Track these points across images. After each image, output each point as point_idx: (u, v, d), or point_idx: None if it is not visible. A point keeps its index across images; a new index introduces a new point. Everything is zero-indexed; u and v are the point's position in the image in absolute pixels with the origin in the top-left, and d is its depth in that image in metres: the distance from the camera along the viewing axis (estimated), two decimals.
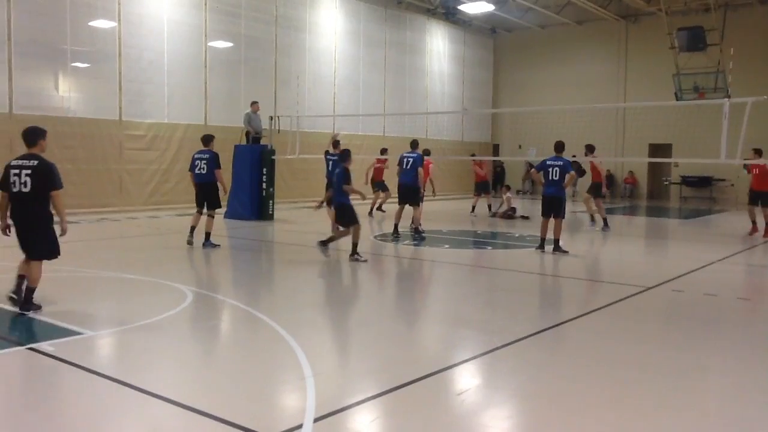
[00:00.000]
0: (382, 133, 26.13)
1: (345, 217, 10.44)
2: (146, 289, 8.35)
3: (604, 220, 15.70)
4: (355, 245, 10.37)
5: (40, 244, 6.79)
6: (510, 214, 18.26)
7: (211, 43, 20.44)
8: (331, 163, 14.64)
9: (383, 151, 19.34)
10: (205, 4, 20.20)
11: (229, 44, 21.11)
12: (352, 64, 25.55)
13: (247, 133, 18.25)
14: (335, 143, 15.13)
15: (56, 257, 7.00)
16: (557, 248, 11.59)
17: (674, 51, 24.68)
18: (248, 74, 21.57)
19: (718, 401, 4.82)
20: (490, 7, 26.57)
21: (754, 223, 14.93)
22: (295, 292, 8.60)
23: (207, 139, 11.84)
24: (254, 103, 18.46)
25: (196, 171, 11.46)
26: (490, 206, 19.22)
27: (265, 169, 17.14)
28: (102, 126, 17.91)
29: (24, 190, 6.67)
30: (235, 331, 6.77)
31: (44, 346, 5.58)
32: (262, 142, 18.06)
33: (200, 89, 20.26)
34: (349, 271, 10.12)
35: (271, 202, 17.14)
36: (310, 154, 18.97)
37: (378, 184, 18.80)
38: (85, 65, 18.06)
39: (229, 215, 16.86)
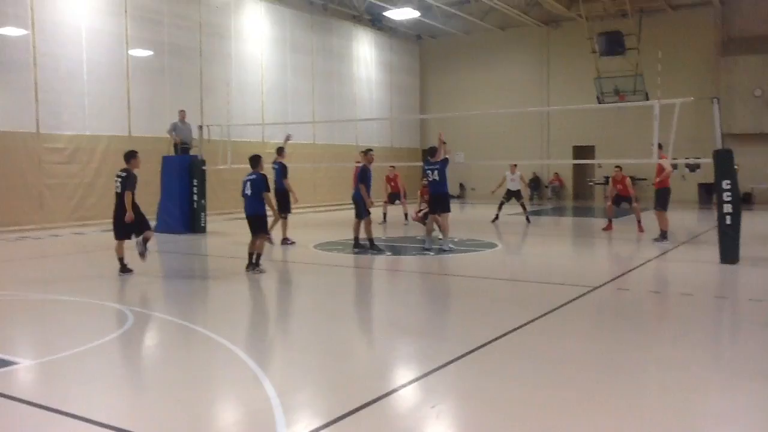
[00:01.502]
0: (312, 140, 25.84)
1: (260, 227, 10.20)
2: (82, 311, 7.86)
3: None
4: (258, 255, 10.15)
5: None
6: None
7: (132, 52, 19.69)
8: (275, 171, 14.20)
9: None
10: (126, 11, 19.45)
11: (151, 52, 20.39)
12: (279, 71, 25.17)
13: (175, 144, 17.66)
14: (279, 150, 14.61)
15: None
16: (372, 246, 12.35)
17: (595, 55, 25.43)
18: (172, 83, 20.88)
19: (680, 395, 4.84)
20: (415, 14, 26.70)
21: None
22: (243, 307, 8.28)
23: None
24: (181, 112, 17.90)
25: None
26: (406, 214, 18.84)
27: (195, 180, 16.61)
28: (18, 139, 16.93)
29: None
30: (184, 352, 6.41)
31: None
32: (191, 152, 17.51)
33: (122, 99, 19.47)
34: (296, 283, 9.86)
35: (203, 214, 16.62)
36: (240, 164, 18.48)
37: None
38: None
39: (159, 229, 16.19)
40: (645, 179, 27.89)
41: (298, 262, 11.73)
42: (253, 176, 10.25)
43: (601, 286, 9.00)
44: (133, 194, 9.83)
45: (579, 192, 31.08)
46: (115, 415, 4.45)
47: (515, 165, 18.43)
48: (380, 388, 4.94)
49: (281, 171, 14.11)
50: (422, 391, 5.02)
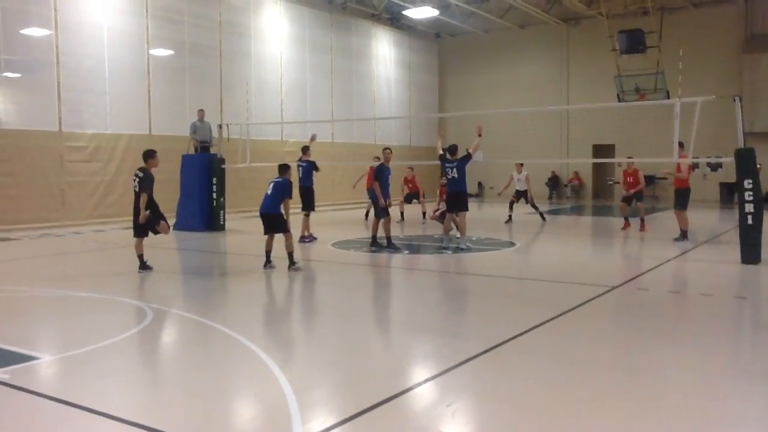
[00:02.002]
0: (330, 139, 25.89)
1: (279, 226, 10.23)
2: (102, 307, 7.95)
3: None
4: (291, 254, 10.23)
5: None
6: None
7: (153, 51, 19.86)
8: (300, 169, 14.27)
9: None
10: (147, 11, 19.62)
11: (172, 52, 20.55)
12: (298, 70, 25.26)
13: (194, 143, 17.79)
14: (305, 149, 14.67)
15: None
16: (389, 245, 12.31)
17: (615, 53, 25.19)
18: (192, 82, 21.04)
19: (699, 397, 4.79)
20: (434, 12, 26.67)
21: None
22: (261, 305, 8.34)
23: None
24: (200, 111, 18.03)
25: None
26: (424, 213, 18.77)
27: (214, 179, 16.72)
28: (41, 138, 17.16)
29: None
30: (204, 348, 6.45)
31: None
32: (211, 150, 17.62)
33: (143, 98, 19.65)
34: (314, 281, 9.88)
35: (222, 212, 16.73)
36: (258, 162, 18.61)
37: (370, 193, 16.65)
38: (18, 75, 17.29)
39: (178, 227, 16.35)
40: (665, 178, 27.68)
41: (315, 260, 11.77)
42: (280, 180, 10.31)
43: (619, 285, 8.94)
44: (149, 195, 9.89)
45: (598, 191, 30.87)
46: (133, 411, 4.50)
47: (521, 164, 18.27)
48: (396, 386, 4.95)
49: (309, 168, 14.18)
50: (438, 390, 5.02)
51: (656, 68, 24.36)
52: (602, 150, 28.77)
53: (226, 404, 4.83)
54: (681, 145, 12.21)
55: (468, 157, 12.50)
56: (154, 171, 10.23)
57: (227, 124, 17.60)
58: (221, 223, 16.69)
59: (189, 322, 7.26)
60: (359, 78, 28.35)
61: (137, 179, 10.00)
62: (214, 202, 16.68)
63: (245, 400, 4.98)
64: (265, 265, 10.24)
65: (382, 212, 12.44)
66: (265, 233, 10.37)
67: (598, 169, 30.41)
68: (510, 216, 18.17)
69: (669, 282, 9.72)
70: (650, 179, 28.39)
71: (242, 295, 8.96)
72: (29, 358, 5.70)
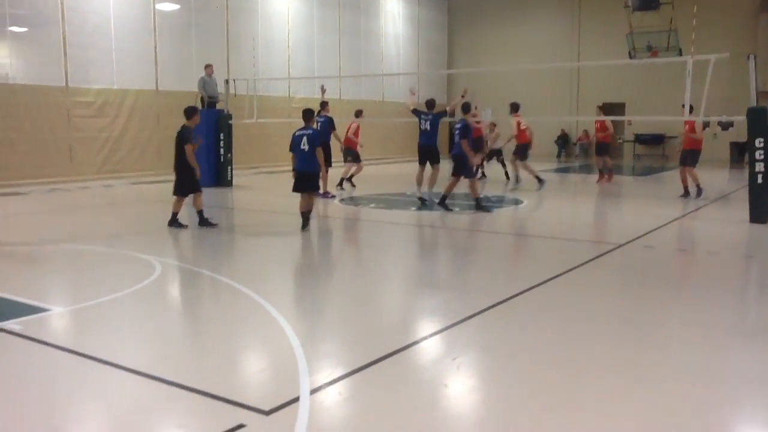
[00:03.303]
0: (338, 96, 25.69)
1: (313, 185, 9.92)
2: (111, 260, 8.02)
3: (537, 178, 15.70)
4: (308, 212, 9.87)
5: None
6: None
7: (159, 6, 19.61)
8: (318, 125, 14.08)
9: (358, 114, 17.10)
10: None
11: (178, 6, 20.29)
12: (305, 25, 24.94)
13: (202, 98, 17.70)
14: (323, 104, 14.50)
15: None
16: (479, 206, 11.91)
17: (628, 10, 24.73)
18: (199, 38, 20.82)
19: (704, 352, 4.83)
20: None
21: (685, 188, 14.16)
22: (267, 259, 8.38)
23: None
24: (208, 66, 17.86)
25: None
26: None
27: (222, 135, 16.69)
28: (48, 93, 17.10)
29: None
30: (212, 301, 6.54)
31: (10, 324, 5.28)
32: (218, 106, 17.54)
33: (149, 54, 19.48)
34: (322, 237, 9.92)
35: (229, 168, 16.74)
36: (266, 118, 18.50)
37: (350, 152, 16.34)
38: (24, 29, 17.14)
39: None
40: (676, 137, 27.45)
41: (322, 216, 11.79)
42: (309, 131, 9.66)
43: (626, 243, 8.94)
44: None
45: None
46: (142, 362, 4.57)
47: (494, 125, 18.29)
48: (403, 340, 5.00)
49: (327, 124, 14.08)
50: (444, 344, 5.07)
51: (669, 26, 23.94)
52: (612, 108, 28.44)
53: (234, 356, 4.90)
54: (692, 108, 12.12)
55: (444, 113, 12.74)
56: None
57: (234, 80, 17.48)
58: (229, 178, 16.71)
59: (197, 276, 7.32)
60: (367, 35, 27.98)
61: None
62: (222, 157, 16.67)
63: (253, 352, 5.05)
64: (303, 227, 9.76)
65: (469, 172, 12.14)
66: (296, 191, 9.81)
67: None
68: (483, 173, 18.19)
69: (676, 240, 9.71)
70: (660, 138, 28.23)
71: (250, 250, 9.01)
72: (41, 310, 5.78)
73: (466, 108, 12.33)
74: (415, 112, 12.85)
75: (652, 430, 3.62)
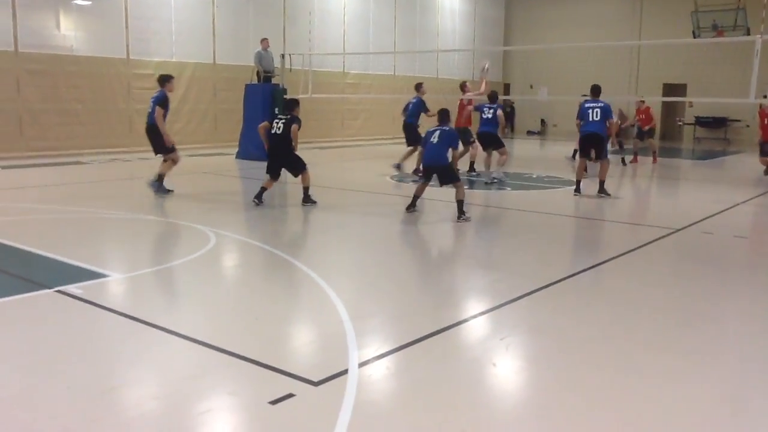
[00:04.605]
0: (392, 72, 25.62)
1: (452, 177, 9.41)
2: (167, 230, 8.23)
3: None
4: (461, 203, 9.20)
5: None
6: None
7: None
8: (411, 105, 14.04)
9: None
10: None
11: None
12: (362, 0, 24.85)
13: (258, 72, 17.88)
14: (418, 86, 14.26)
15: None
16: (602, 191, 11.41)
17: None
18: (256, 11, 20.98)
19: (758, 348, 4.70)
20: None
21: None
22: (321, 234, 8.47)
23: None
24: (264, 40, 18.01)
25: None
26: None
27: (277, 109, 16.81)
28: (110, 65, 17.53)
29: None
30: (263, 273, 6.65)
31: (72, 288, 5.48)
32: (274, 81, 17.69)
33: (208, 27, 19.74)
34: (373, 213, 9.96)
35: None
36: (319, 93, 18.56)
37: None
38: (88, 2, 17.52)
39: (241, 155, 16.66)
40: (740, 120, 26.55)
41: (374, 192, 11.83)
42: (446, 128, 9.33)
43: (683, 228, 8.73)
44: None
45: (667, 132, 29.82)
46: (197, 329, 4.69)
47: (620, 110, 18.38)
48: (450, 318, 5.02)
49: (419, 105, 13.83)
50: (492, 323, 5.06)
51: (737, 3, 23.08)
52: (674, 89, 27.65)
53: (285, 327, 5.00)
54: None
55: (499, 107, 13.26)
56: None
57: (290, 55, 17.58)
58: None
59: (251, 248, 7.46)
60: (423, 10, 27.72)
61: (282, 121, 9.84)
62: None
63: (303, 324, 5.14)
64: (409, 208, 9.55)
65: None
66: (425, 180, 9.58)
67: (667, 108, 29.28)
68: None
69: (736, 226, 9.43)
70: (722, 121, 27.32)
71: (303, 224, 9.12)
72: (100, 275, 5.98)
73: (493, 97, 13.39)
74: (479, 108, 13.50)
75: (701, 416, 3.57)
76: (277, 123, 9.91)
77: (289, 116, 9.94)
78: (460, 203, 9.10)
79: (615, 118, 15.78)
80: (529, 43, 30.59)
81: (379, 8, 25.52)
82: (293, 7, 21.97)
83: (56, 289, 5.48)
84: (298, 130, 9.89)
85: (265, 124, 10.03)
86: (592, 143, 11.50)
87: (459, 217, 9.04)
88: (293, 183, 13.33)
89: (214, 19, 19.78)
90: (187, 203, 10.24)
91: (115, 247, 7.55)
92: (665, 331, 4.93)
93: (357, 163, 17.24)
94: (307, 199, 10.07)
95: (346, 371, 3.96)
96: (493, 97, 13.49)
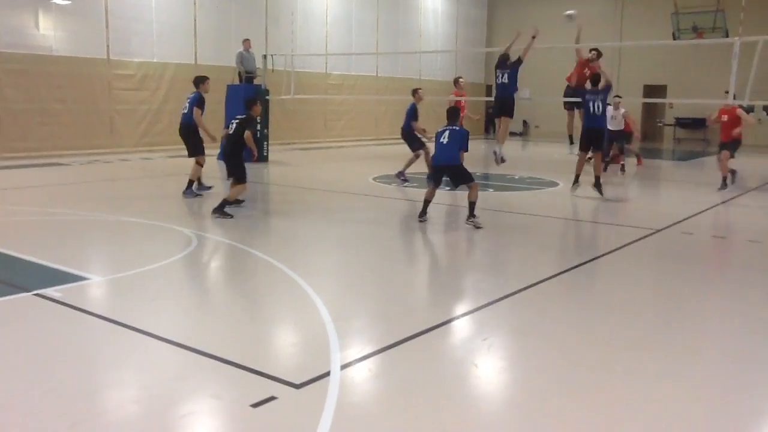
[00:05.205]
0: (375, 73, 25.62)
1: (465, 177, 9.03)
2: (149, 232, 8.17)
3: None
4: (473, 204, 8.89)
5: None
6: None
7: None
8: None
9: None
10: None
11: None
12: (344, 0, 24.83)
13: (240, 73, 17.81)
14: (414, 91, 13.97)
15: None
16: (598, 185, 11.46)
17: None
18: (238, 11, 20.89)
19: (738, 344, 4.75)
20: None
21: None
22: (304, 236, 8.45)
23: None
24: (246, 41, 17.95)
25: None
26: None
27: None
28: (90, 65, 17.36)
29: None
30: (245, 275, 6.62)
31: (51, 291, 5.42)
32: (255, 81, 17.63)
33: (189, 27, 19.63)
34: (356, 215, 9.95)
35: (265, 143, 16.84)
36: (302, 94, 18.52)
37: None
38: (68, 2, 17.35)
39: (222, 156, 16.52)
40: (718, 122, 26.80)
41: (356, 193, 11.83)
42: (457, 128, 8.97)
43: (663, 228, 8.81)
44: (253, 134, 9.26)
45: (647, 133, 30.06)
46: (177, 332, 4.66)
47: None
48: (433, 319, 5.02)
49: (409, 112, 13.43)
50: (475, 324, 5.08)
51: (716, 5, 23.33)
52: (654, 91, 27.89)
53: (266, 329, 4.98)
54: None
55: (519, 62, 11.94)
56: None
57: (272, 55, 17.53)
58: (264, 154, 16.81)
59: (232, 249, 7.43)
60: (406, 10, 27.73)
61: (236, 122, 9.28)
62: (258, 133, 16.74)
63: (286, 326, 5.12)
64: (421, 216, 9.09)
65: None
66: (436, 183, 9.23)
67: (648, 110, 29.52)
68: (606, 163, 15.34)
69: (715, 227, 9.54)
70: (701, 122, 27.58)
71: (285, 226, 9.09)
72: (80, 278, 5.92)
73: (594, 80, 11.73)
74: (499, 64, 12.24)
75: (683, 414, 3.60)
76: (232, 123, 9.33)
77: (244, 116, 9.30)
78: (472, 205, 8.78)
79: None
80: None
81: (362, 9, 25.51)
82: (275, 7, 21.91)
83: (35, 292, 5.42)
84: (253, 135, 9.17)
85: (225, 132, 9.72)
86: (592, 139, 11.42)
87: (469, 219, 8.72)
88: (275, 184, 13.31)
89: (195, 19, 19.67)
90: (168, 205, 10.17)
91: (95, 249, 7.49)
92: (647, 329, 4.97)
93: (340, 164, 17.23)
94: (221, 210, 8.96)
95: (328, 373, 3.95)
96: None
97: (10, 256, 6.65)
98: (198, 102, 10.70)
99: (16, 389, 3.76)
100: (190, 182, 10.75)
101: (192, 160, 10.84)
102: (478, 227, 8.57)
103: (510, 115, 12.03)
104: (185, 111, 10.84)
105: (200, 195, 10.73)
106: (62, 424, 3.35)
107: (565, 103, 14.75)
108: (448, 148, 8.82)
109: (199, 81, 10.94)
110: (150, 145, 18.54)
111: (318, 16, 23.63)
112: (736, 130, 12.58)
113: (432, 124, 26.77)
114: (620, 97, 16.43)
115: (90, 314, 4.99)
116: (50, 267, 6.26)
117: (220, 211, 8.94)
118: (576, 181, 11.64)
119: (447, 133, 8.85)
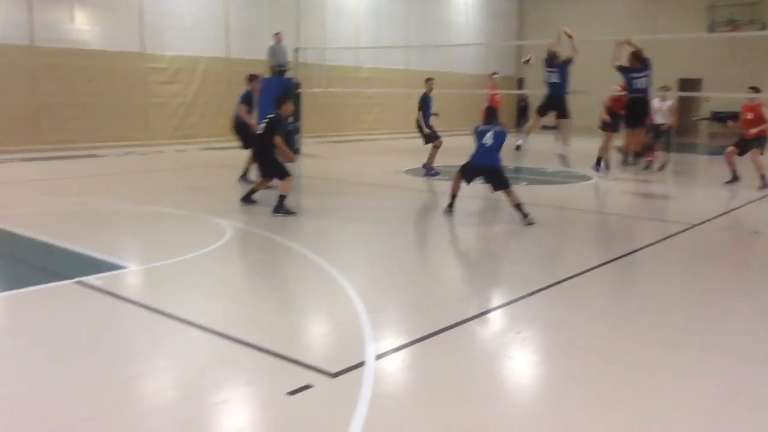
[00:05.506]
0: (405, 66, 25.58)
1: (503, 182, 8.71)
2: (183, 223, 8.28)
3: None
4: (519, 206, 8.60)
5: None
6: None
7: None
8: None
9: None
10: None
11: None
12: None
13: (271, 66, 17.91)
14: (428, 80, 13.94)
15: None
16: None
17: None
18: (270, 5, 21.00)
19: None
20: None
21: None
22: (336, 227, 8.50)
23: None
24: (277, 34, 18.05)
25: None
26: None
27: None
28: (125, 59, 17.63)
29: None
30: (280, 266, 6.69)
31: (91, 279, 5.54)
32: (287, 75, 17.72)
33: (221, 21, 19.80)
34: (388, 207, 9.97)
35: (297, 136, 16.94)
36: (332, 87, 18.58)
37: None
38: None
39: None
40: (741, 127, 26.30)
41: (388, 186, 11.85)
42: (499, 129, 8.73)
43: (699, 224, 8.69)
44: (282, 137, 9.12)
45: (682, 127, 29.55)
46: (213, 320, 4.72)
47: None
48: (466, 312, 5.03)
49: (420, 102, 13.39)
50: (508, 317, 5.07)
51: None
52: (689, 84, 27.44)
53: (301, 319, 5.04)
54: (758, 90, 11.66)
55: (569, 60, 11.85)
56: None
57: (303, 48, 17.60)
58: (296, 147, 16.90)
59: (266, 240, 7.50)
60: (436, 3, 27.58)
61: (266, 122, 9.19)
62: (289, 126, 16.85)
63: (320, 316, 5.17)
64: (448, 208, 8.93)
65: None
66: (467, 181, 8.97)
67: (683, 104, 29.02)
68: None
69: (752, 222, 9.38)
70: (737, 116, 27.06)
71: (318, 218, 9.14)
72: (118, 267, 6.04)
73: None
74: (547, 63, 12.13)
75: (715, 413, 3.56)
76: (262, 122, 9.22)
77: (273, 115, 9.09)
78: (518, 207, 8.49)
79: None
80: (543, 37, 30.30)
81: (393, 2, 25.46)
82: (307, 0, 21.98)
83: (76, 279, 5.55)
84: (283, 138, 8.99)
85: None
86: (638, 111, 11.36)
87: (525, 217, 8.41)
88: (307, 176, 13.38)
89: (227, 13, 19.83)
90: (203, 196, 10.30)
91: (133, 239, 7.62)
92: (680, 327, 4.92)
93: (371, 157, 17.27)
94: (280, 208, 8.73)
95: (362, 363, 3.98)
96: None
97: (52, 245, 6.81)
98: (243, 98, 11.23)
99: (56, 373, 3.86)
100: (245, 170, 11.13)
101: (247, 152, 11.01)
102: (531, 223, 8.35)
103: (566, 115, 12.07)
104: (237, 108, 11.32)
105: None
106: (100, 409, 3.43)
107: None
108: (491, 150, 8.58)
109: (250, 79, 11.61)
110: (183, 138, 18.77)
111: (349, 9, 23.65)
112: (754, 130, 12.26)
113: (461, 116, 26.81)
114: (668, 88, 15.69)
115: (128, 302, 5.09)
116: (90, 256, 6.39)
117: (281, 208, 8.69)
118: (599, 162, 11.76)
119: (491, 134, 8.57)
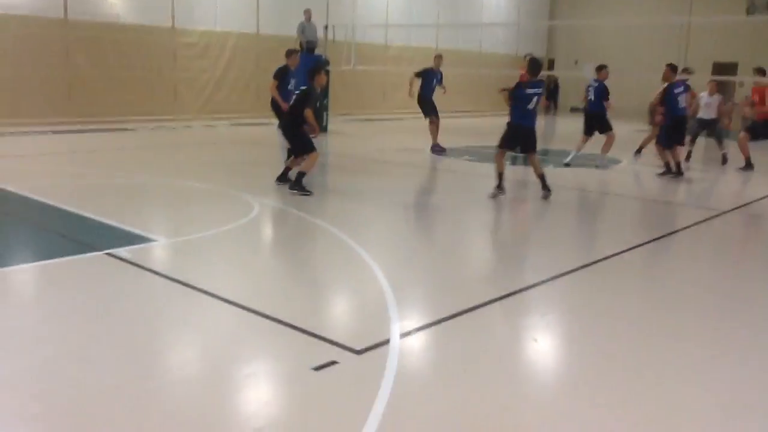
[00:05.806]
0: (434, 44, 25.34)
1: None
2: (212, 197, 8.34)
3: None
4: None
5: None
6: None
7: None
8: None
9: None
10: None
11: None
12: None
13: (301, 43, 17.86)
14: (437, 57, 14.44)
15: None
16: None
17: None
18: None
19: None
20: None
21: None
22: (363, 204, 8.51)
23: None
24: (307, 11, 17.97)
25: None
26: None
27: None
28: (155, 33, 17.70)
29: None
30: (307, 242, 6.72)
31: (121, 251, 5.61)
32: (316, 52, 17.66)
33: None
34: (415, 186, 9.96)
35: (325, 114, 16.93)
36: (361, 66, 18.50)
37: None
38: None
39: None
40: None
41: (415, 165, 11.81)
42: (539, 89, 8.85)
43: (730, 210, 8.56)
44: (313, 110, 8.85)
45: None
46: (240, 295, 4.76)
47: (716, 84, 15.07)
48: (491, 293, 5.02)
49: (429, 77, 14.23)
50: (533, 300, 5.06)
51: None
52: (724, 68, 26.87)
53: (327, 296, 5.07)
54: (764, 71, 11.43)
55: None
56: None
57: (333, 26, 17.53)
58: (324, 124, 16.91)
59: (294, 217, 7.53)
60: None
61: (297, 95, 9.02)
62: (318, 103, 16.84)
63: (346, 293, 5.20)
64: (497, 189, 8.82)
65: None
66: (510, 149, 9.15)
67: (717, 88, 28.45)
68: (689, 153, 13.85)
69: None
70: None
71: (345, 196, 9.16)
72: (147, 240, 6.11)
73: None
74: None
75: (736, 403, 3.53)
76: (294, 95, 9.10)
77: (305, 87, 8.87)
78: (542, 177, 8.77)
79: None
80: (575, 17, 29.97)
81: None
82: None
83: (106, 251, 5.62)
84: (314, 111, 8.74)
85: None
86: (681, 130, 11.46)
87: (546, 190, 8.72)
88: (335, 154, 13.39)
89: None
90: (231, 172, 10.35)
91: (161, 212, 7.70)
92: (709, 312, 4.87)
93: (398, 136, 17.20)
94: (297, 185, 8.57)
95: (387, 341, 4.00)
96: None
97: (83, 216, 6.90)
98: (276, 74, 10.99)
99: (85, 342, 3.93)
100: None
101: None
102: (546, 197, 8.63)
103: (607, 129, 12.42)
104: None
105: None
106: (129, 381, 3.49)
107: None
108: (534, 113, 8.79)
109: (287, 54, 11.29)
110: (212, 113, 18.84)
111: None
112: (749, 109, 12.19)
113: (489, 99, 26.56)
114: (692, 71, 15.23)
115: (157, 274, 5.15)
116: (119, 228, 6.47)
117: (298, 186, 8.57)
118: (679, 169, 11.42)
119: (536, 99, 8.68)
